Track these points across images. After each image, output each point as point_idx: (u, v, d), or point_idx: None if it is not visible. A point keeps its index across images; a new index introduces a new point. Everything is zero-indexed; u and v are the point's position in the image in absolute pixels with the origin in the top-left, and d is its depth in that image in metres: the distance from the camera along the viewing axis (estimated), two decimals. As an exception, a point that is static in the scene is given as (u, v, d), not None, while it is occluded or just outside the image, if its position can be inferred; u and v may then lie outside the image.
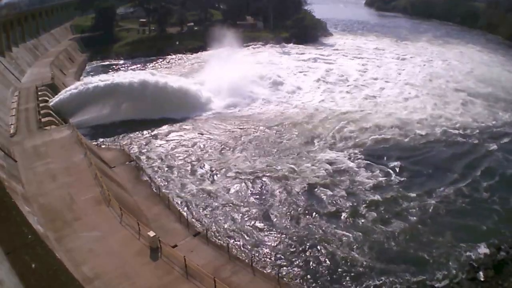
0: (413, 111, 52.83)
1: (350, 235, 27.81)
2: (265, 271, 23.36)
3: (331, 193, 33.11)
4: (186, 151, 41.66)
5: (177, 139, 44.92)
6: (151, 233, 22.21)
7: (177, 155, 40.63)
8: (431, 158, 40.38)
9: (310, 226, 28.95)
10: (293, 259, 25.50)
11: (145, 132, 46.79)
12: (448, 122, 48.69)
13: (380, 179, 35.42)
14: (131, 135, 46.07)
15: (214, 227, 28.73)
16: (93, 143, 42.78)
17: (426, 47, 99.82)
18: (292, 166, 37.63)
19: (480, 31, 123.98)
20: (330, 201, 32.05)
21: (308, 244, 26.96)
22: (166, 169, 37.64)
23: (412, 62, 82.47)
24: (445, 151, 41.78)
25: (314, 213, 30.42)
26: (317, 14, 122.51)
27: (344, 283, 23.66)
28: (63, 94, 51.01)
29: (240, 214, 30.42)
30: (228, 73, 62.27)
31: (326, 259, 25.50)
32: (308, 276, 24.14)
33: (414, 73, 73.65)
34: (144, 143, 43.88)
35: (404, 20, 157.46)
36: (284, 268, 24.75)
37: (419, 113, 51.66)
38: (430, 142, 43.60)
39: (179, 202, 31.71)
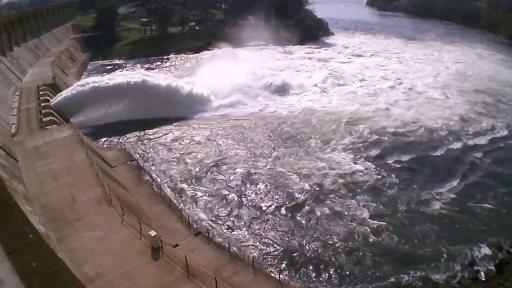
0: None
1: (351, 234, 27.79)
2: (266, 271, 23.38)
3: (337, 194, 33.14)
4: (187, 150, 41.60)
5: (179, 139, 44.86)
6: (152, 233, 22.21)
7: (178, 154, 40.57)
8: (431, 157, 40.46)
9: (312, 226, 28.93)
10: (295, 259, 25.47)
11: (146, 131, 46.72)
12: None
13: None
14: (133, 134, 46.01)
15: (215, 226, 28.69)
16: (94, 142, 42.83)
17: (440, 48, 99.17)
18: (296, 166, 37.62)
19: (481, 30, 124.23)
20: (332, 201, 32.04)
21: (309, 244, 26.94)
22: (167, 168, 37.59)
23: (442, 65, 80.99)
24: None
25: (315, 213, 30.38)
26: (318, 14, 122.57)
27: (345, 282, 23.63)
28: (64, 93, 51.07)
29: (242, 214, 30.40)
30: (228, 73, 62.31)
31: (328, 259, 25.47)
32: (310, 276, 24.12)
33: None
34: (146, 143, 43.84)
35: (405, 20, 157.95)
36: (286, 268, 24.70)
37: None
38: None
39: (180, 202, 31.71)
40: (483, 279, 24.07)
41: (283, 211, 30.80)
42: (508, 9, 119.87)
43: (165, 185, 34.24)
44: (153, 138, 45.07)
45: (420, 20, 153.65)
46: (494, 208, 31.30)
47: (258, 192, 33.51)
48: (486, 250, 26.34)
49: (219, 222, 29.43)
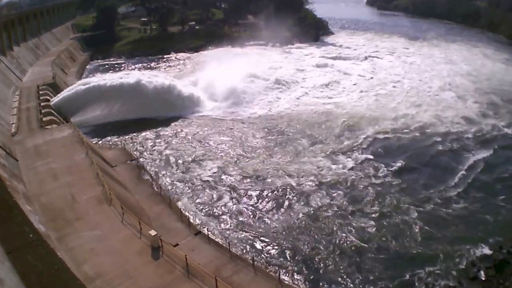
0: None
1: (351, 234, 27.81)
2: (266, 270, 23.34)
3: (336, 192, 33.17)
4: (187, 149, 41.61)
5: (179, 138, 44.91)
6: (152, 232, 22.19)
7: (178, 153, 40.56)
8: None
9: (312, 225, 28.92)
10: (295, 258, 25.48)
11: (146, 131, 46.75)
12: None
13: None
14: (133, 134, 46.01)
15: (215, 226, 28.70)
16: (94, 142, 42.82)
17: (446, 47, 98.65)
18: (298, 166, 37.57)
19: (480, 30, 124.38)
20: (333, 200, 32.04)
21: (309, 243, 26.95)
22: (167, 167, 37.63)
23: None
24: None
25: (315, 213, 30.38)
26: (318, 13, 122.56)
27: (345, 281, 23.63)
28: (64, 93, 51.06)
29: (242, 213, 30.44)
30: (228, 72, 62.35)
31: (328, 258, 25.48)
32: (310, 276, 24.11)
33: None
34: (146, 142, 43.86)
35: (405, 19, 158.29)
36: (286, 267, 24.71)
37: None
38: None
39: (180, 201, 31.69)
40: (483, 279, 24.06)
41: (283, 210, 30.81)
42: (508, 9, 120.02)
43: (165, 184, 34.24)
44: (154, 137, 45.06)
45: (420, 19, 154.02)
46: (494, 208, 31.28)
47: (260, 192, 33.48)
48: (486, 250, 26.34)
49: (219, 221, 29.44)
